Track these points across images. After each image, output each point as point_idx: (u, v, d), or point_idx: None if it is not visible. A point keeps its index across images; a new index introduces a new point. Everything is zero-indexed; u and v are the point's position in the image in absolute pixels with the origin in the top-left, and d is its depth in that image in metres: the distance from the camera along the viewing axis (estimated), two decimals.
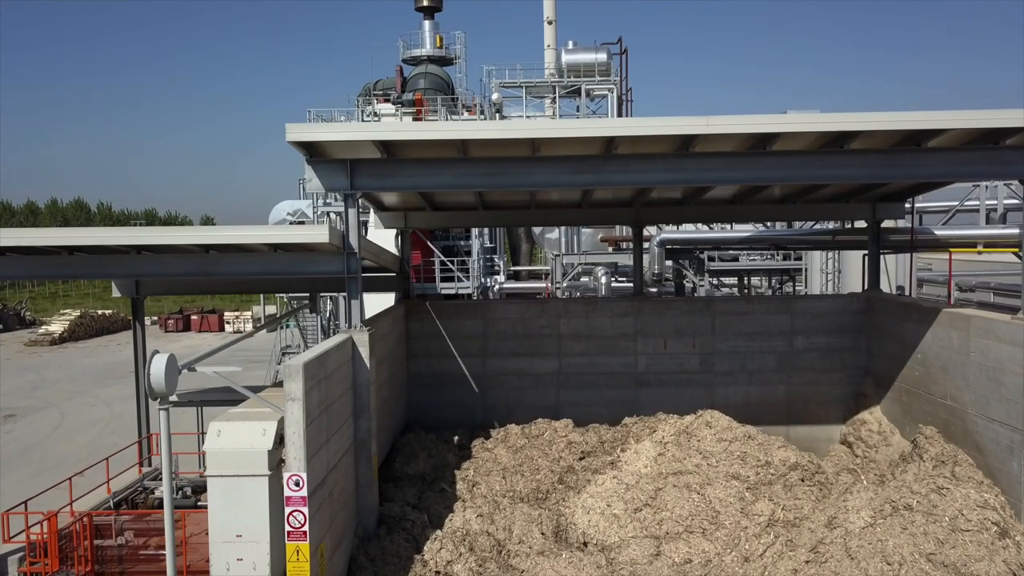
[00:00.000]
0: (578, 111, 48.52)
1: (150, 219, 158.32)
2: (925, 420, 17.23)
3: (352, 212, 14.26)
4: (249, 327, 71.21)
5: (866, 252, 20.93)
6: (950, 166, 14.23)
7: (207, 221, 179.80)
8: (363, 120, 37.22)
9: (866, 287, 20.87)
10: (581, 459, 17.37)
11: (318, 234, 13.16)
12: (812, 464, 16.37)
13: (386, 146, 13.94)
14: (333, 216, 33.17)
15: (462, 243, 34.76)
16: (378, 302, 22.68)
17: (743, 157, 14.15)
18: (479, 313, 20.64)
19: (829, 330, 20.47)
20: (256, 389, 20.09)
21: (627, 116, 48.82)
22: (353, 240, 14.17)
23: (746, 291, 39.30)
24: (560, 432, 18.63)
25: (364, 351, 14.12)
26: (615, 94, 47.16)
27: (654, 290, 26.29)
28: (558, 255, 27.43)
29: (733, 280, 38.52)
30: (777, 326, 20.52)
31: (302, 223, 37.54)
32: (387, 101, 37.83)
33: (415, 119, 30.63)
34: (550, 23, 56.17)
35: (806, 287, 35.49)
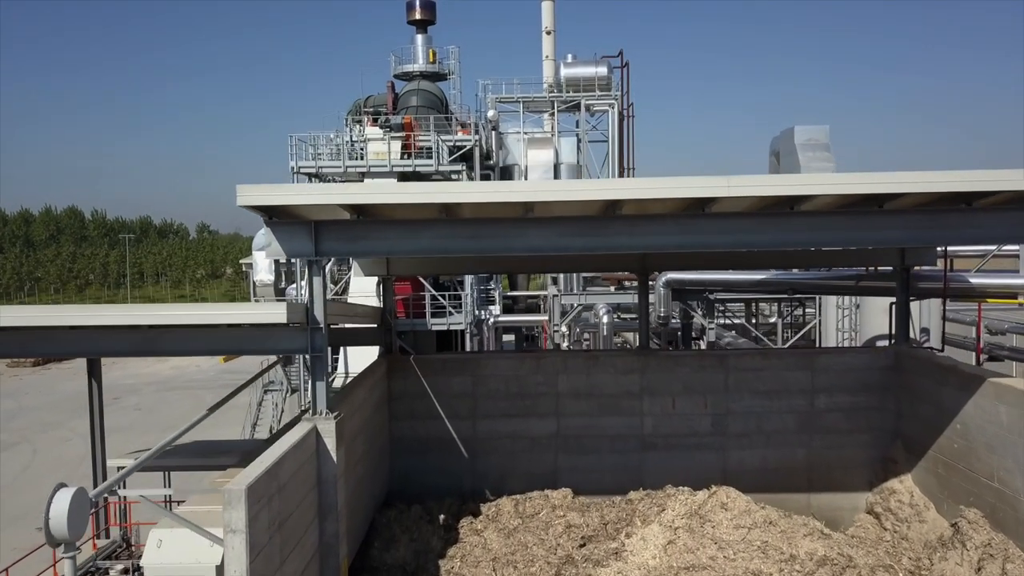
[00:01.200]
0: (577, 126, 46.71)
1: (144, 227, 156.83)
2: (967, 500, 15.36)
3: (317, 281, 12.41)
4: None
5: (893, 300, 19.09)
6: (1008, 227, 12.36)
7: (203, 228, 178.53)
8: (350, 141, 35.38)
9: (893, 339, 19.03)
10: (581, 546, 15.48)
11: (274, 314, 11.32)
12: (842, 557, 14.48)
13: (357, 206, 12.11)
14: None
15: None
16: (360, 354, 20.86)
17: (768, 218, 12.30)
18: (468, 369, 18.76)
19: (854, 388, 18.60)
20: (224, 449, 18.28)
21: (628, 132, 47.00)
22: (319, 312, 12.32)
23: (754, 319, 37.45)
24: (558, 509, 16.77)
25: (330, 442, 12.26)
26: (616, 109, 45.35)
27: (658, 336, 24.49)
28: (556, 295, 25.68)
29: (740, 307, 36.70)
30: (796, 383, 18.66)
31: None
32: (376, 124, 35.95)
33: (404, 145, 28.80)
34: (549, 33, 54.32)
35: (819, 315, 33.60)
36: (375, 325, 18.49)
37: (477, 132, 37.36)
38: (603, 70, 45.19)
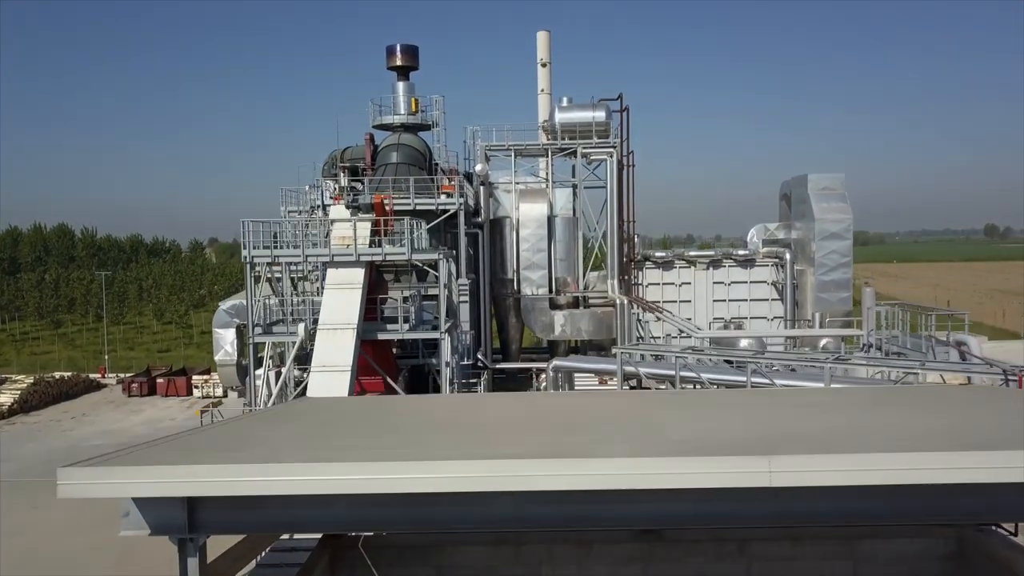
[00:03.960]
0: (573, 174, 43.33)
1: (135, 245, 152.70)
2: None
3: (192, 563, 8.90)
4: (219, 391, 65.31)
5: None
6: None
7: (196, 245, 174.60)
8: (322, 205, 31.89)
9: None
10: None
11: None
12: None
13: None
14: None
15: (432, 361, 29.44)
16: None
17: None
18: (431, 560, 15.19)
19: None
20: None
21: (628, 181, 43.53)
22: None
23: None
24: None
25: None
26: (615, 158, 41.93)
27: None
28: None
29: None
30: None
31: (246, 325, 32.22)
32: (356, 180, 32.41)
33: (374, 229, 25.29)
34: (544, 66, 50.77)
35: None
36: None
37: (462, 193, 33.93)
38: (601, 115, 41.80)
